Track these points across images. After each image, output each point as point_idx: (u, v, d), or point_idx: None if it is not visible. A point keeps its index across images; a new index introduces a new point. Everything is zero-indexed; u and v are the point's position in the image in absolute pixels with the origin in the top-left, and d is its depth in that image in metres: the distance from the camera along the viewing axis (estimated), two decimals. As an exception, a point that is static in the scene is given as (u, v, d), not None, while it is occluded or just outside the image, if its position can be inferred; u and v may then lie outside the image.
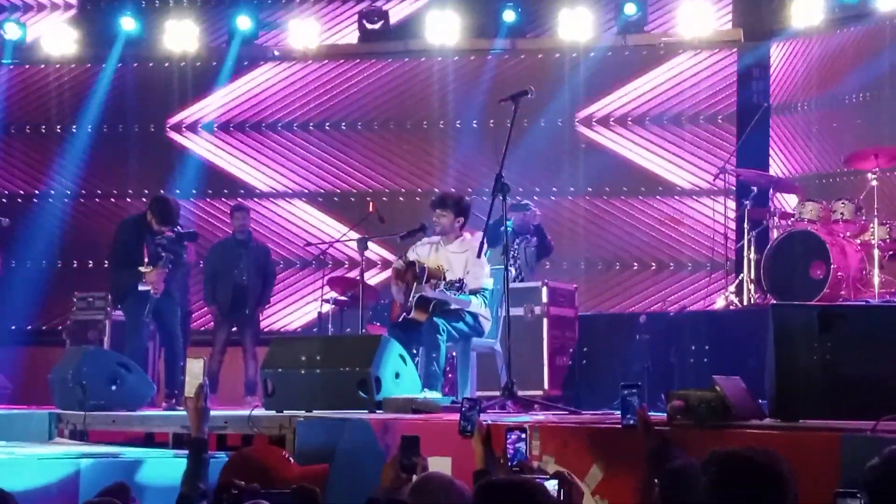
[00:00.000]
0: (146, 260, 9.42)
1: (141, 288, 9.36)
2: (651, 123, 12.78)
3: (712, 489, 3.36)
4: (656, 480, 4.19)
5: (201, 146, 13.47)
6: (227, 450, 7.70)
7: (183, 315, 10.22)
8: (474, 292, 8.20)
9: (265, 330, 12.14)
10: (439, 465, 5.85)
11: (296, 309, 13.05)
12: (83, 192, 13.53)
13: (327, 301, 11.51)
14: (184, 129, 13.49)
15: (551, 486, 4.27)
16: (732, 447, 3.51)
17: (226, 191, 13.35)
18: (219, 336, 11.34)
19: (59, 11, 13.78)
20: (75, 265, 13.43)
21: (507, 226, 8.16)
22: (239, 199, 12.76)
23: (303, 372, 7.93)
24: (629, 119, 12.85)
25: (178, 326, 9.76)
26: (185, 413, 5.23)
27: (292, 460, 5.77)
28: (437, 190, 12.11)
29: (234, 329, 11.43)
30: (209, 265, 11.47)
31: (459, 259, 8.32)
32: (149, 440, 8.54)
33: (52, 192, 13.55)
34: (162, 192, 11.78)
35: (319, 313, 11.72)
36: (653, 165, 12.78)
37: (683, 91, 12.71)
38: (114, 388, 8.91)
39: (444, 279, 8.16)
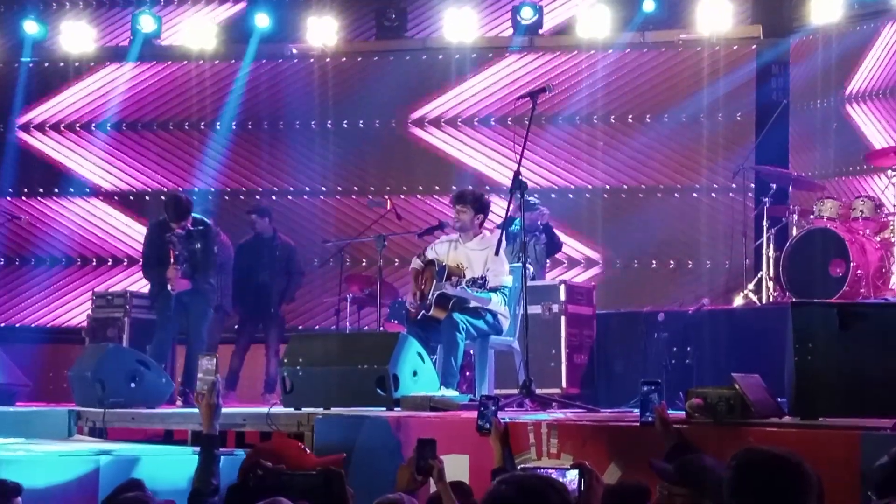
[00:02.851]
0: (171, 259, 9.58)
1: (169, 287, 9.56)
2: (670, 120, 12.74)
3: (736, 485, 3.35)
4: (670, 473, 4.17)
5: (221, 144, 13.48)
6: (245, 447, 7.73)
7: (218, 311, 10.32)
8: (494, 289, 8.19)
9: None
10: (457, 463, 5.87)
11: (314, 306, 13.06)
12: (101, 190, 13.58)
13: (345, 299, 11.53)
14: (202, 127, 13.51)
15: (572, 475, 4.30)
16: (758, 446, 3.48)
17: (244, 189, 13.36)
18: (243, 334, 11.37)
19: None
20: (94, 263, 13.49)
21: (516, 224, 8.14)
22: (257, 198, 12.76)
23: (321, 369, 7.94)
24: (647, 116, 12.81)
25: (204, 327, 9.82)
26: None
27: (308, 451, 5.77)
28: (454, 187, 12.12)
29: (260, 326, 11.45)
30: (235, 265, 11.49)
31: (479, 256, 8.31)
32: (168, 437, 8.57)
33: (72, 190, 13.60)
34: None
35: (337, 311, 11.73)
36: (671, 162, 12.74)
37: (702, 88, 12.66)
38: (133, 385, 8.95)
39: (464, 277, 8.16)
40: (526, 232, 8.59)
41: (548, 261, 10.93)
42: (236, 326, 11.64)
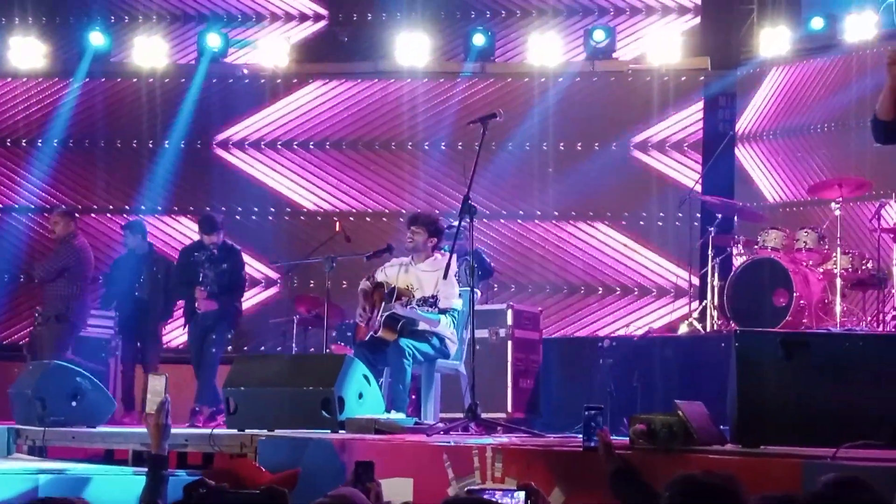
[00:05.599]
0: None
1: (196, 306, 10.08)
2: (617, 149, 12.84)
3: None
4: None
5: (169, 162, 13.38)
6: (187, 468, 7.66)
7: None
8: (444, 311, 8.20)
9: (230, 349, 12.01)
10: (401, 486, 5.85)
11: (259, 327, 12.98)
12: (47, 206, 13.44)
13: (292, 320, 11.46)
14: (151, 145, 13.43)
15: (519, 496, 4.30)
16: (692, 471, 3.52)
17: (191, 208, 13.27)
18: (126, 353, 11.08)
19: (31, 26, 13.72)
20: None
21: (445, 248, 8.16)
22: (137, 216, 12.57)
23: (266, 390, 7.90)
24: (596, 144, 12.90)
25: (220, 350, 10.15)
26: (145, 430, 5.20)
27: (263, 468, 5.74)
28: (404, 211, 12.14)
29: (138, 345, 11.01)
30: (111, 280, 11.28)
31: (430, 277, 8.32)
32: (108, 457, 8.48)
33: (16, 205, 13.45)
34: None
35: (284, 332, 11.66)
36: (619, 191, 12.83)
37: (650, 118, 12.78)
38: (74, 404, 8.87)
39: (413, 297, 8.17)
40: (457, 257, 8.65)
41: (480, 284, 10.86)
42: (112, 344, 11.40)
